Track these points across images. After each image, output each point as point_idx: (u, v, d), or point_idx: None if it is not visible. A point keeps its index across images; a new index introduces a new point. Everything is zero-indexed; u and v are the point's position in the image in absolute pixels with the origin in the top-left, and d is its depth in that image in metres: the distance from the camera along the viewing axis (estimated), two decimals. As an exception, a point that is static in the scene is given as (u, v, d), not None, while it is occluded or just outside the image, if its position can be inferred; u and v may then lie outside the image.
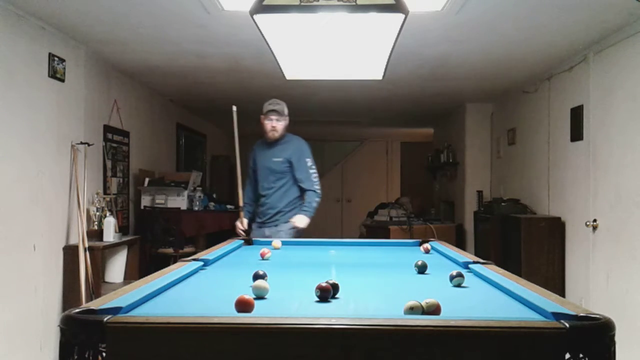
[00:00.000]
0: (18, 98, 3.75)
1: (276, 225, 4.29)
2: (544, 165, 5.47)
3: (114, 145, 5.44)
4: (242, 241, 3.62)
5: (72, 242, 4.40)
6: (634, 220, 3.80)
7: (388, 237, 6.63)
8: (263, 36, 2.66)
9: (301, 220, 4.20)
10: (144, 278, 2.11)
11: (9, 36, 3.63)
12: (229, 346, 1.40)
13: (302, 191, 4.32)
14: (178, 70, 5.45)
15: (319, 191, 4.31)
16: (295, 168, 4.29)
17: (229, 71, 5.45)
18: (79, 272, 4.24)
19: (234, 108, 4.29)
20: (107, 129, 5.24)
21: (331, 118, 8.90)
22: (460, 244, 6.90)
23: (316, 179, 4.30)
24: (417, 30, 3.98)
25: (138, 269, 5.23)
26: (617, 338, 1.43)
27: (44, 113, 4.03)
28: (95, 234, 4.69)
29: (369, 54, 3.08)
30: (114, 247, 4.86)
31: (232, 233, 4.48)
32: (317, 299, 1.84)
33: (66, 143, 4.37)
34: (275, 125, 4.29)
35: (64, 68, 4.27)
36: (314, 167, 4.33)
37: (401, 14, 2.28)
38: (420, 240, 3.70)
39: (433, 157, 9.03)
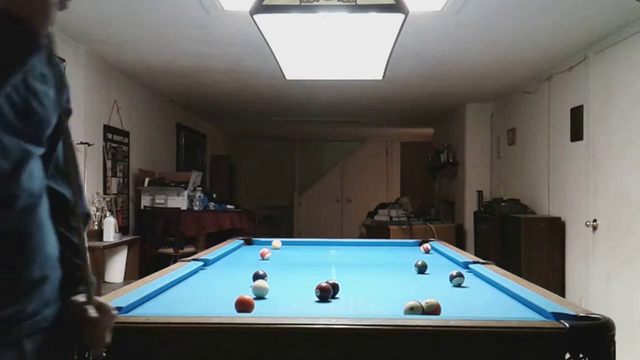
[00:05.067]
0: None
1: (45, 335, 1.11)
2: (544, 165, 5.47)
3: (114, 145, 5.44)
4: (242, 241, 3.61)
5: (72, 242, 4.39)
6: (634, 220, 3.80)
7: (388, 237, 6.62)
8: (263, 36, 2.66)
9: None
10: (144, 278, 2.11)
11: (9, 36, 3.62)
12: (229, 346, 1.40)
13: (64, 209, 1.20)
14: (178, 70, 5.45)
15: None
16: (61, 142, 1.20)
17: (229, 71, 5.45)
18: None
19: None
20: (107, 129, 5.24)
21: (331, 118, 8.90)
22: (460, 244, 6.90)
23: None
24: (417, 30, 3.98)
25: (138, 269, 5.23)
26: (617, 338, 1.43)
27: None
28: (95, 234, 4.69)
29: (369, 54, 3.08)
30: (114, 247, 4.86)
31: (232, 233, 4.44)
32: (317, 299, 1.84)
33: (66, 143, 4.36)
34: None
35: (64, 68, 4.26)
36: None
37: (401, 14, 2.28)
38: (420, 240, 3.70)
39: (433, 157, 9.03)
